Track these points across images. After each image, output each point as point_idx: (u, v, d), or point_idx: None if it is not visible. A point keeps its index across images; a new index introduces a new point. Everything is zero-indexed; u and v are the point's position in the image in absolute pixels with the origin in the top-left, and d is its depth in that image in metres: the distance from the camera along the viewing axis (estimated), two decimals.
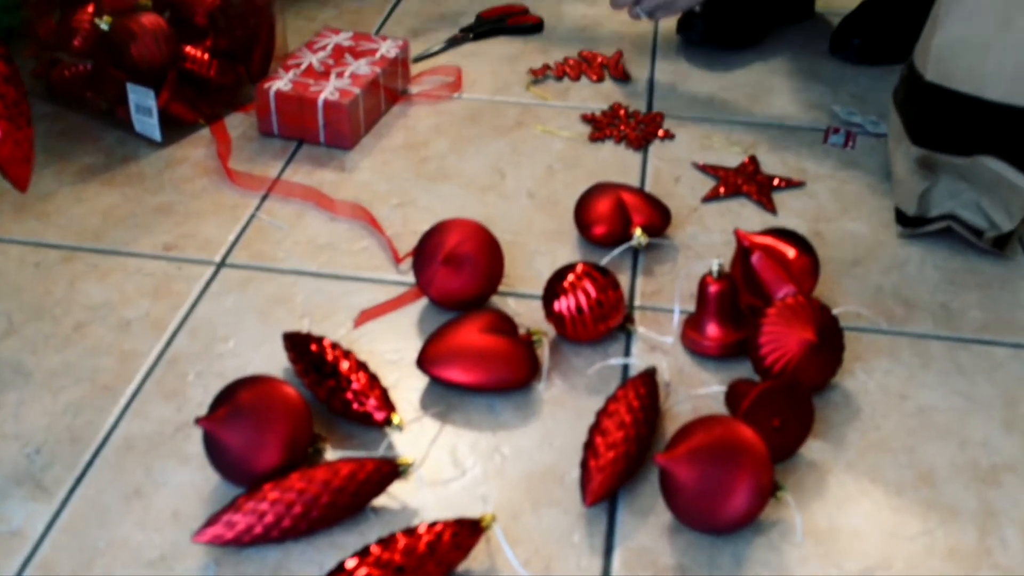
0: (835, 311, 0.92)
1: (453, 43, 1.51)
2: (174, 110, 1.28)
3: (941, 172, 1.09)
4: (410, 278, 1.04)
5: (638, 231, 1.06)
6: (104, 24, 1.22)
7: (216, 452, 0.80)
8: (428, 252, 0.97)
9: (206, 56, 1.30)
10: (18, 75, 0.87)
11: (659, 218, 1.08)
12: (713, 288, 0.93)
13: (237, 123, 1.32)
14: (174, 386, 0.93)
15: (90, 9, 1.27)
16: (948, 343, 0.99)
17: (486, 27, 1.54)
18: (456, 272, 0.96)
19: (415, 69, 1.43)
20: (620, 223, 1.06)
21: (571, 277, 0.93)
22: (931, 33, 1.02)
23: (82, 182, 1.21)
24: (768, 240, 0.98)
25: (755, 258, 0.96)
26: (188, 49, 1.28)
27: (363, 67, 1.30)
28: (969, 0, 0.97)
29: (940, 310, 1.03)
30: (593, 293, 0.92)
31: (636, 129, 1.29)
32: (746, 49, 1.50)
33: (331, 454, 0.86)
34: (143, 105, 1.25)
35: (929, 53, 1.01)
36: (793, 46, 1.53)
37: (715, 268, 0.94)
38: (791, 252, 0.98)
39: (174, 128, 1.28)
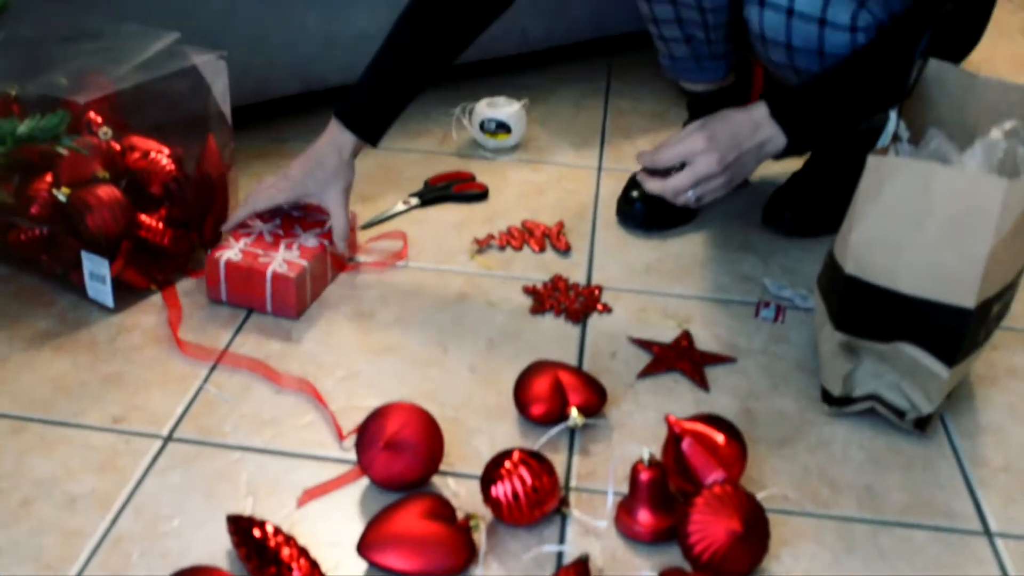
0: (762, 494, 0.96)
1: (401, 210, 1.56)
2: (127, 277, 1.32)
3: (864, 354, 1.15)
4: (353, 456, 1.06)
5: (574, 412, 1.10)
6: (62, 196, 1.26)
7: None
8: (370, 436, 1.01)
9: (160, 225, 1.34)
10: None
11: (595, 398, 1.12)
12: (644, 476, 0.97)
13: (189, 289, 1.36)
14: (118, 566, 0.94)
15: (48, 179, 1.30)
16: (871, 526, 1.03)
17: (433, 194, 1.60)
18: (397, 457, 0.99)
19: (364, 235, 1.48)
20: (557, 403, 1.10)
21: (508, 464, 0.97)
22: (848, 230, 1.08)
23: (34, 348, 1.23)
24: (698, 427, 1.02)
25: (686, 444, 1.01)
26: (143, 218, 1.32)
27: (311, 239, 1.34)
28: (882, 202, 1.04)
29: (864, 492, 1.07)
30: (529, 480, 0.96)
31: (576, 302, 1.34)
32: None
33: None
34: (97, 273, 1.29)
35: (848, 248, 1.08)
36: (727, 215, 1.60)
37: (646, 456, 0.98)
38: (720, 438, 1.02)
39: (127, 293, 1.32)
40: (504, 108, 1.76)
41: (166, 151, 1.35)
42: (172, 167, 1.34)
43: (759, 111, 1.26)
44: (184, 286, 1.36)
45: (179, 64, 1.32)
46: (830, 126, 1.32)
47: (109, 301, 1.30)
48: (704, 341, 1.29)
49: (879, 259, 1.06)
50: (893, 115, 1.11)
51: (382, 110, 1.36)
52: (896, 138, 1.15)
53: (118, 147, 1.32)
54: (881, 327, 1.10)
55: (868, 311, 1.10)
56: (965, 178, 1.01)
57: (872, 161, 1.04)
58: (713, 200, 1.31)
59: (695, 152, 1.26)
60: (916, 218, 1.02)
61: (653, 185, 1.30)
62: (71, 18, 1.39)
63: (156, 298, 1.33)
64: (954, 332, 1.06)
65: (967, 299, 1.04)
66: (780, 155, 1.30)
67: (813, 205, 1.56)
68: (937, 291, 1.05)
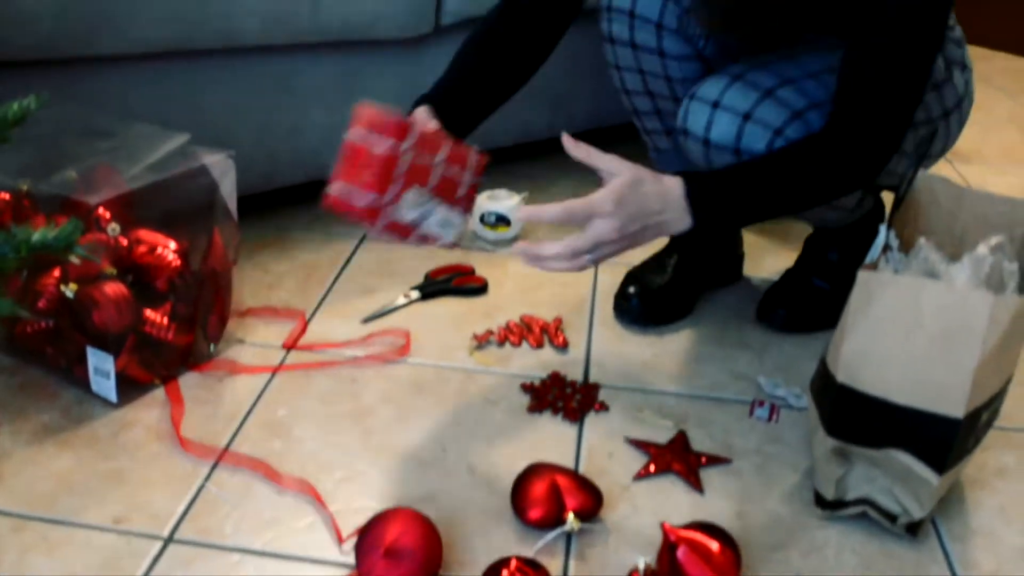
0: None
1: (402, 304, 1.59)
2: (131, 371, 1.34)
3: (856, 460, 1.17)
4: (352, 559, 1.07)
5: (571, 516, 1.11)
6: (69, 292, 1.29)
7: None
8: (370, 542, 1.02)
9: (165, 320, 1.36)
10: None
11: (592, 501, 1.14)
12: None
13: (191, 383, 1.38)
14: None
15: (56, 274, 1.33)
16: None
17: (434, 288, 1.63)
18: (396, 564, 1.00)
19: (366, 329, 1.51)
20: (554, 507, 1.12)
21: (505, 573, 0.98)
22: (840, 340, 1.11)
23: (37, 443, 1.25)
24: (693, 534, 1.04)
25: (681, 552, 1.02)
26: (148, 313, 1.35)
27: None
28: (872, 315, 1.07)
29: None
30: None
31: (573, 401, 1.36)
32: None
33: None
34: (101, 368, 1.31)
35: (839, 358, 1.10)
36: (722, 310, 1.63)
37: (641, 566, 0.99)
38: (715, 546, 1.03)
39: (130, 387, 1.34)
40: (504, 201, 1.80)
41: (172, 245, 1.38)
42: (178, 262, 1.37)
43: (674, 190, 1.21)
44: (187, 380, 1.38)
45: (189, 164, 1.35)
46: (740, 220, 1.29)
47: (112, 396, 1.32)
48: (699, 441, 1.31)
49: (870, 370, 1.09)
50: (883, 228, 1.14)
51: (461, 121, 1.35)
52: (887, 247, 1.18)
53: (125, 242, 1.35)
54: (872, 434, 1.12)
55: (859, 419, 1.12)
56: (953, 294, 1.04)
57: (862, 276, 1.07)
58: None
59: (599, 214, 1.17)
60: (906, 331, 1.05)
61: (551, 248, 1.19)
62: (84, 116, 1.42)
63: (159, 392, 1.35)
64: (943, 441, 1.08)
65: (956, 410, 1.06)
66: (679, 236, 1.26)
67: (807, 302, 1.59)
68: (927, 402, 1.07)
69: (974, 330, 1.02)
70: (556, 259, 1.18)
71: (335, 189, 1.14)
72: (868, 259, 1.12)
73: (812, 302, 1.59)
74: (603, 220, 1.17)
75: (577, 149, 1.20)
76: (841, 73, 1.24)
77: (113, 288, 1.30)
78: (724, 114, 1.32)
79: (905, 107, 1.22)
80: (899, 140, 1.24)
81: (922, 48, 1.20)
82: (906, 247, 1.23)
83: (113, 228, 1.32)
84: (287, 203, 1.89)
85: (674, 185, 1.21)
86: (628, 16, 1.41)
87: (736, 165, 1.28)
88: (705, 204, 1.22)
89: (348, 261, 1.73)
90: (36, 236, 0.98)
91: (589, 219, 1.18)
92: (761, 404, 1.38)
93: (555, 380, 1.41)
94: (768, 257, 1.82)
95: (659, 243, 1.69)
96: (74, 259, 1.18)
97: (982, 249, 1.11)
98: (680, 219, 1.21)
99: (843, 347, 1.10)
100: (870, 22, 1.19)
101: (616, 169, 1.19)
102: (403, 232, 1.19)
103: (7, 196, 1.35)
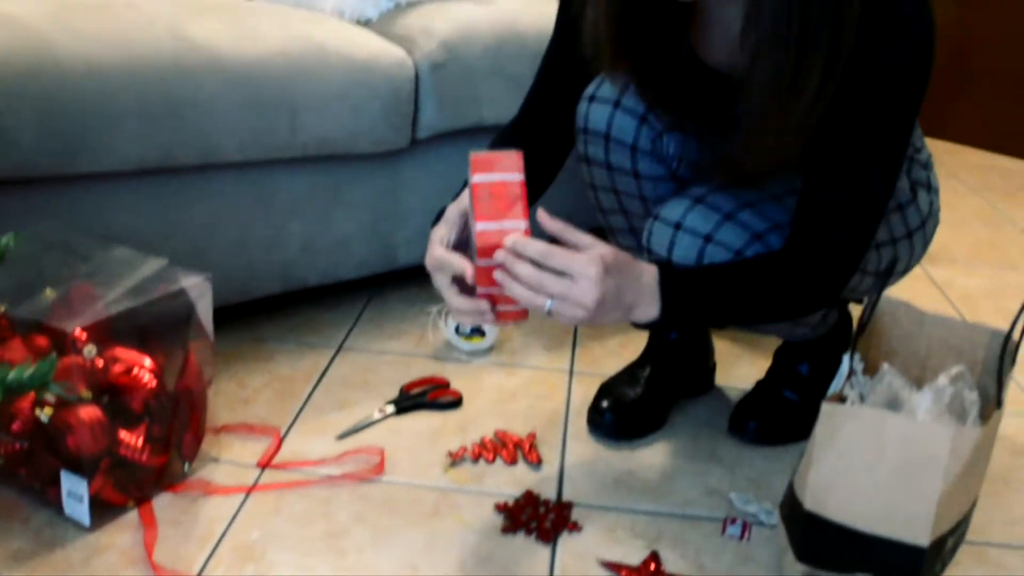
0: None
1: (377, 419, 1.60)
2: (105, 494, 1.34)
3: None
4: None
5: None
6: (44, 416, 1.29)
7: None
8: None
9: (140, 442, 1.36)
10: None
11: None
12: None
13: (165, 504, 1.38)
14: None
15: (31, 397, 1.34)
16: None
17: (409, 402, 1.64)
18: None
19: (340, 446, 1.51)
20: None
21: None
22: (807, 469, 1.13)
23: (7, 569, 1.24)
24: None
25: None
26: (123, 435, 1.35)
27: None
28: (837, 446, 1.09)
29: None
30: None
31: (546, 521, 1.37)
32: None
33: None
34: (75, 492, 1.31)
35: (806, 486, 1.12)
36: (695, 422, 1.65)
37: None
38: None
39: (103, 510, 1.33)
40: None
41: (148, 363, 1.39)
42: (154, 383, 1.38)
43: (649, 276, 1.21)
44: (161, 501, 1.38)
45: (167, 287, 1.37)
46: (705, 318, 1.30)
47: (86, 519, 1.32)
48: (672, 561, 1.32)
49: (836, 498, 1.11)
50: (846, 358, 1.16)
51: None
52: (852, 372, 1.21)
53: (101, 363, 1.36)
54: (841, 561, 1.13)
55: (828, 545, 1.13)
56: (915, 426, 1.06)
57: (826, 408, 1.09)
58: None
59: (582, 275, 1.14)
60: (870, 462, 1.07)
61: (533, 247, 1.14)
62: (63, 237, 1.44)
63: (132, 515, 1.35)
64: (910, 567, 1.10)
65: (921, 538, 1.08)
66: (639, 326, 1.26)
67: (778, 414, 1.61)
68: (893, 530, 1.09)
69: (937, 461, 1.05)
70: (526, 275, 1.14)
71: (486, 227, 1.14)
72: (832, 389, 1.15)
73: (783, 414, 1.61)
74: (584, 283, 1.14)
75: (552, 223, 1.17)
76: (801, 195, 1.27)
77: (88, 412, 1.31)
78: (686, 235, 1.35)
79: (863, 230, 1.25)
80: (857, 261, 1.27)
81: (880, 173, 1.23)
82: (871, 370, 1.26)
83: (89, 350, 1.33)
84: (263, 311, 1.91)
85: (650, 271, 1.22)
86: (604, 139, 1.45)
87: (707, 266, 1.31)
88: (675, 296, 1.22)
89: (324, 373, 1.75)
90: (12, 375, 1.00)
91: (565, 271, 1.14)
92: (733, 522, 1.39)
93: (528, 499, 1.41)
94: (741, 366, 1.84)
95: (631, 355, 1.71)
96: (50, 397, 1.19)
97: (942, 380, 1.13)
98: (649, 306, 1.21)
99: (809, 476, 1.12)
100: (830, 147, 1.22)
101: (592, 245, 1.17)
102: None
103: None
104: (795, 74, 1.14)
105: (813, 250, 1.26)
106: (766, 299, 1.27)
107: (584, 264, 1.14)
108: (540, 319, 1.96)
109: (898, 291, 1.98)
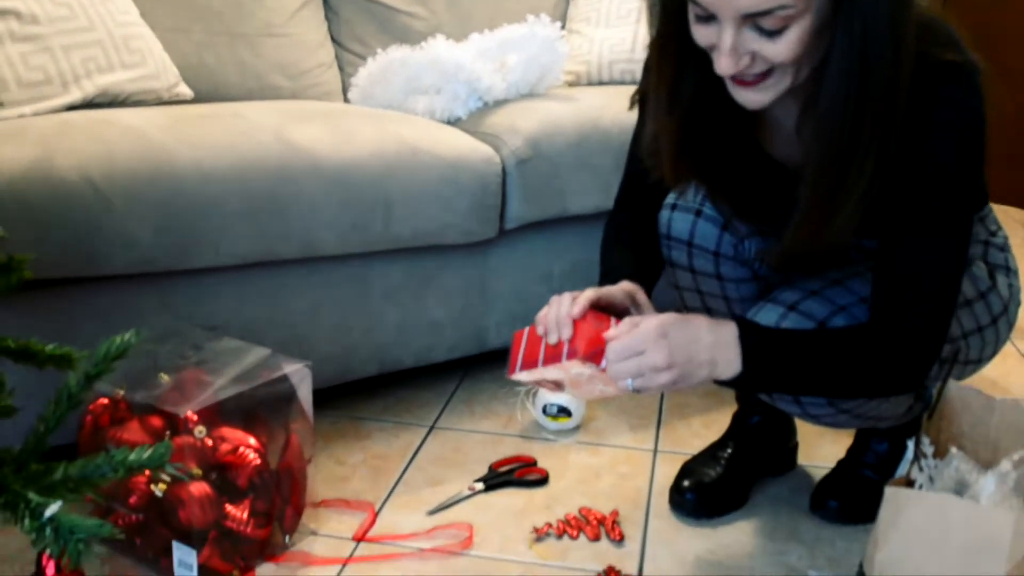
0: None
1: (466, 495, 1.67)
2: (212, 563, 1.44)
3: None
4: None
5: None
6: (159, 491, 1.40)
7: None
8: None
9: (245, 515, 1.46)
10: None
11: None
12: None
13: (268, 573, 1.47)
14: None
15: (148, 473, 1.45)
16: None
17: (497, 480, 1.71)
18: None
19: (431, 521, 1.59)
20: None
21: None
22: (874, 550, 1.17)
23: None
24: None
25: None
26: (229, 509, 1.45)
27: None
28: (902, 529, 1.13)
29: None
30: None
31: None
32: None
33: None
34: (185, 561, 1.41)
35: (874, 567, 1.16)
36: (775, 501, 1.68)
37: None
38: None
39: None
40: (565, 394, 1.89)
41: (253, 442, 1.49)
42: (258, 461, 1.48)
43: (728, 330, 1.24)
44: (263, 571, 1.48)
45: (270, 373, 1.48)
46: (787, 381, 1.29)
47: None
48: None
49: None
50: (910, 443, 1.20)
51: None
52: (922, 455, 1.24)
53: (210, 442, 1.46)
54: None
55: None
56: (978, 511, 1.09)
57: (889, 492, 1.13)
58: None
59: (646, 344, 1.21)
60: (934, 545, 1.11)
61: (616, 341, 1.23)
62: (176, 328, 1.57)
63: None
64: None
65: None
66: (723, 383, 1.27)
67: (858, 494, 1.63)
68: None
69: (1000, 544, 1.08)
70: (614, 358, 1.22)
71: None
72: (897, 473, 1.19)
73: (864, 494, 1.63)
74: (653, 348, 1.20)
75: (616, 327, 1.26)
76: (875, 275, 1.29)
77: (198, 488, 1.41)
78: (767, 302, 1.39)
79: (941, 304, 1.26)
80: (939, 335, 1.26)
81: (948, 247, 1.24)
82: (940, 453, 1.29)
83: (200, 431, 1.44)
84: (361, 392, 2.01)
85: (727, 325, 1.25)
86: (687, 246, 1.51)
87: (787, 329, 1.33)
88: (757, 352, 1.24)
89: (417, 451, 1.83)
90: (132, 457, 1.09)
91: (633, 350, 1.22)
92: None
93: (611, 575, 1.47)
94: (823, 445, 1.87)
95: (715, 434, 1.76)
96: (166, 477, 1.30)
97: (1006, 464, 1.16)
98: (732, 362, 1.23)
99: (877, 558, 1.16)
100: (896, 227, 1.25)
101: (644, 317, 1.27)
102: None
103: (106, 401, 1.49)
104: (847, 150, 1.17)
105: (894, 323, 1.26)
106: (848, 366, 1.28)
107: (643, 333, 1.21)
108: (626, 397, 2.03)
109: (987, 369, 1.98)
